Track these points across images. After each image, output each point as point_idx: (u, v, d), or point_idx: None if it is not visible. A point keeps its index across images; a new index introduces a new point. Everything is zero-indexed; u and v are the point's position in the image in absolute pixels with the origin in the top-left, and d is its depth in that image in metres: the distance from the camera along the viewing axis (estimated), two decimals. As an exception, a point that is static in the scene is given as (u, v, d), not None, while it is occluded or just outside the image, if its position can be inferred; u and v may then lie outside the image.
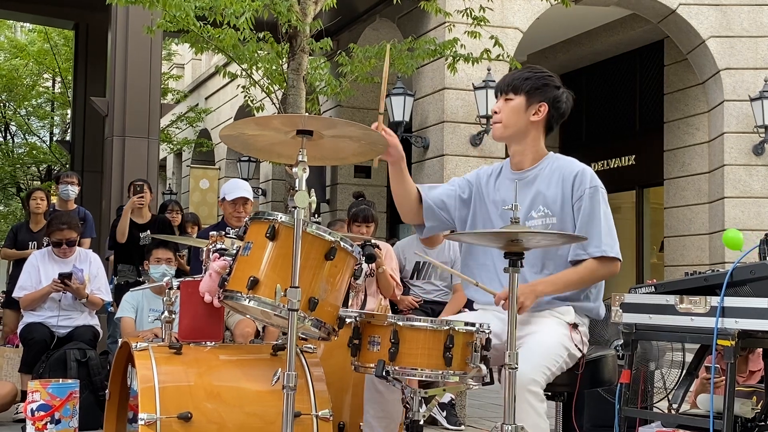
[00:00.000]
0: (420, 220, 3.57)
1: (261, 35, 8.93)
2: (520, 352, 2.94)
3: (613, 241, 3.32)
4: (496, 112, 3.44)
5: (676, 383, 4.60)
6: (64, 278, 6.16)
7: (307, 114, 2.95)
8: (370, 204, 6.33)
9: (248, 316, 3.67)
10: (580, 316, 3.40)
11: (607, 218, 3.34)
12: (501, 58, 9.80)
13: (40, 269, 6.37)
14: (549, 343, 3.19)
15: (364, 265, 3.25)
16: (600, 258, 3.30)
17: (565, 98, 3.48)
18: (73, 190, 8.06)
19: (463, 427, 6.25)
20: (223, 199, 5.91)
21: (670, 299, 3.64)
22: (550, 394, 3.31)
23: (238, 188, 5.90)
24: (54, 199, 8.84)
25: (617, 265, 3.35)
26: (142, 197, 7.35)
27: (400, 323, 2.97)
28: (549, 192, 3.38)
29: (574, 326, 3.33)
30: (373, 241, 4.63)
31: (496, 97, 3.49)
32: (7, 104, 24.44)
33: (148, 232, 7.26)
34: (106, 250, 8.56)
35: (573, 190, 3.35)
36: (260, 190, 18.70)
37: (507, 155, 3.60)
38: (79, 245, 6.65)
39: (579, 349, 3.31)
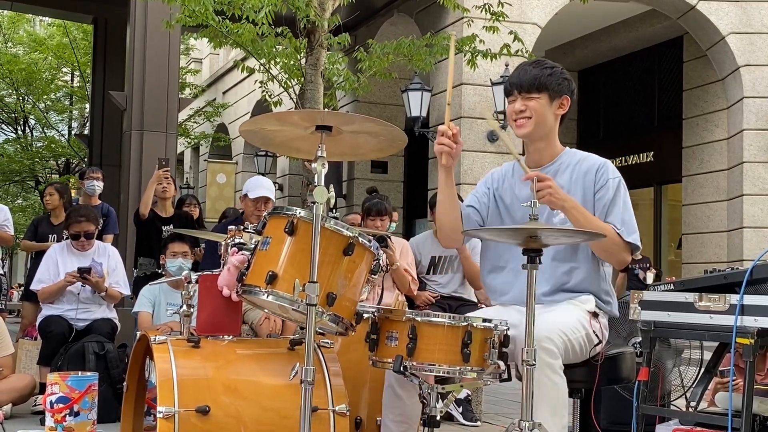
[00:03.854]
0: (458, 236, 3.48)
1: (279, 30, 8.94)
2: (537, 322, 2.92)
3: (631, 228, 3.26)
4: (522, 110, 3.34)
5: (694, 381, 4.59)
6: (84, 273, 6.19)
7: (326, 110, 2.95)
8: (384, 198, 6.34)
9: (266, 310, 3.68)
10: (600, 306, 3.38)
11: (628, 209, 3.30)
12: (519, 53, 9.77)
13: (58, 262, 6.40)
14: (567, 316, 3.19)
15: (382, 261, 3.25)
16: (625, 241, 3.24)
17: (576, 91, 3.47)
18: (99, 186, 8.11)
19: (479, 423, 6.24)
20: (245, 195, 5.89)
21: (689, 297, 3.63)
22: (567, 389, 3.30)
23: (262, 187, 5.87)
24: (73, 193, 8.86)
25: (629, 254, 3.28)
26: (168, 170, 7.36)
27: (418, 319, 2.97)
28: (570, 187, 3.34)
29: (594, 315, 3.32)
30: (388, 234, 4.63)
31: (510, 94, 3.39)
32: (26, 98, 24.62)
33: (171, 226, 7.28)
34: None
35: (596, 180, 3.32)
36: (277, 185, 18.74)
37: (524, 152, 3.57)
38: (100, 240, 6.68)
39: (597, 336, 3.29)
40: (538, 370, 2.91)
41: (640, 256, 12.76)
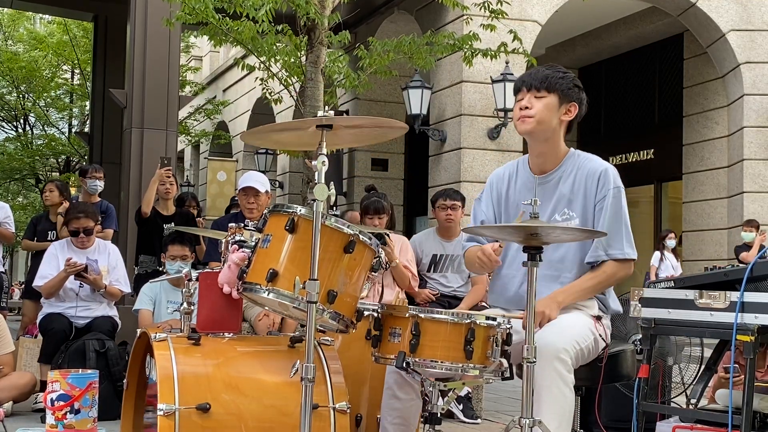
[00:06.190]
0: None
1: (279, 28, 8.93)
2: (549, 329, 2.98)
3: (632, 243, 3.35)
4: (527, 107, 3.34)
5: (695, 378, 4.59)
6: (80, 272, 6.19)
7: (326, 114, 2.94)
8: (382, 196, 6.33)
9: (266, 308, 3.68)
10: (602, 309, 3.40)
11: (627, 220, 3.36)
12: (517, 51, 9.74)
13: (59, 259, 6.40)
14: (577, 323, 3.23)
15: (383, 259, 3.25)
16: (621, 260, 3.31)
17: (586, 102, 3.46)
18: (101, 185, 8.12)
19: (479, 420, 6.24)
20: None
21: (690, 294, 3.63)
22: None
23: (249, 179, 5.88)
24: (73, 191, 8.84)
25: (632, 267, 3.38)
26: (170, 169, 7.36)
27: (422, 315, 2.98)
28: (572, 193, 3.37)
29: (598, 318, 3.35)
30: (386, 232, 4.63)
31: (519, 91, 3.39)
32: (27, 96, 24.60)
33: (172, 224, 7.29)
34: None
35: (597, 189, 3.34)
36: (277, 183, 18.73)
37: (524, 150, 3.58)
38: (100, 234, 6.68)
39: (603, 339, 3.32)
40: (550, 379, 2.94)
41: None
